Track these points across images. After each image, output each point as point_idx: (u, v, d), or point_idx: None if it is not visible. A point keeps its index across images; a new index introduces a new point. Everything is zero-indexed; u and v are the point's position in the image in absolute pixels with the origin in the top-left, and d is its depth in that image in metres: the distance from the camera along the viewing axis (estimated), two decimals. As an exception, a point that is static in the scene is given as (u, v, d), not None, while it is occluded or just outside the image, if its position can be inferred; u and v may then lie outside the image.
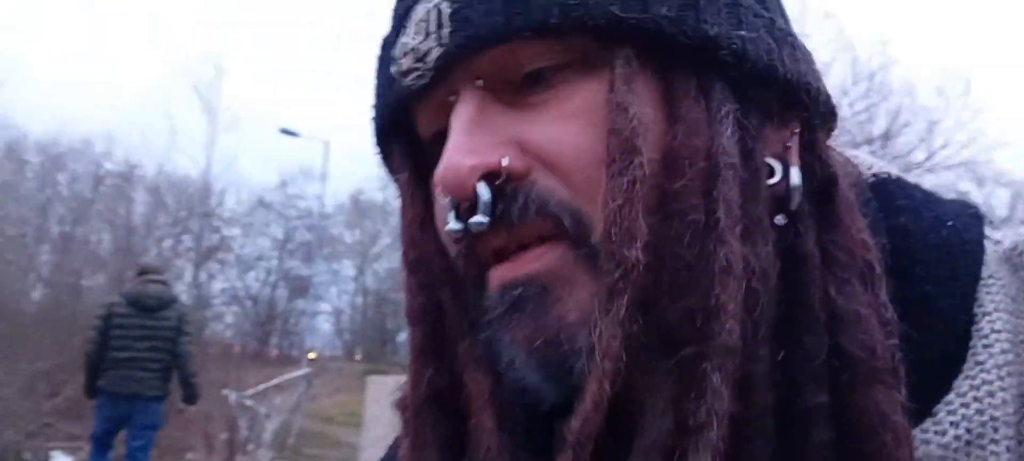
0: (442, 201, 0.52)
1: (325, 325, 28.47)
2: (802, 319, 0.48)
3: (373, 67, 0.57)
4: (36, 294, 16.36)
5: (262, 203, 24.46)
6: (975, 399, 0.47)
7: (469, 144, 0.49)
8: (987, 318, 0.49)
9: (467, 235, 0.49)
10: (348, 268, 28.04)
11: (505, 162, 0.48)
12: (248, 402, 11.00)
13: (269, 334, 26.42)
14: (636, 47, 0.49)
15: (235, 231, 22.38)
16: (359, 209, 26.92)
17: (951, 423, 0.47)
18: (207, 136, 16.36)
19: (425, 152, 0.55)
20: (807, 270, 0.49)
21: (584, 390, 0.45)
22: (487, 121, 0.50)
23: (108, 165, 20.51)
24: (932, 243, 0.52)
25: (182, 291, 16.51)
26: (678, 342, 0.46)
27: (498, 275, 0.50)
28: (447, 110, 0.51)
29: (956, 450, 0.47)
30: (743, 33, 0.50)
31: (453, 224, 0.50)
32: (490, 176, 0.48)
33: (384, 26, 0.57)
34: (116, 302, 6.21)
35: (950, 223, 0.53)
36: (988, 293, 0.50)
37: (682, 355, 0.45)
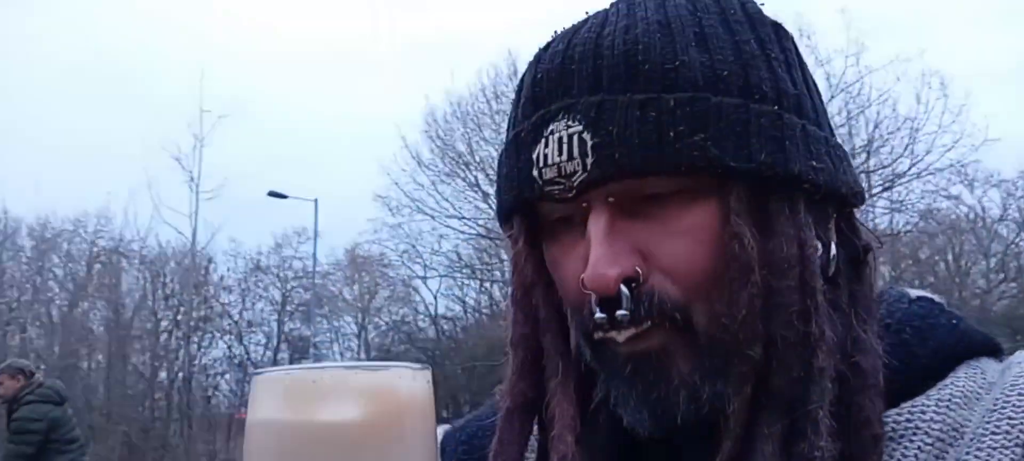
0: (583, 292, 0.65)
1: (331, 384, 28.26)
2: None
3: (507, 154, 0.71)
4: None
5: (258, 267, 24.50)
6: (910, 414, 0.65)
7: (610, 254, 0.63)
8: (953, 377, 0.67)
9: (606, 323, 0.64)
10: (350, 324, 27.98)
11: (640, 271, 0.63)
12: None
13: (274, 398, 26.21)
14: (742, 183, 0.63)
15: (232, 297, 22.35)
16: (356, 264, 26.90)
17: (894, 418, 0.64)
18: (191, 206, 16.36)
19: (539, 225, 0.70)
20: (840, 316, 0.65)
21: (721, 444, 0.62)
22: (618, 230, 0.64)
23: (102, 243, 20.54)
24: (929, 323, 0.70)
25: (177, 364, 16.44)
26: (787, 401, 0.61)
27: (626, 349, 0.65)
28: (572, 210, 0.66)
29: (890, 438, 0.63)
30: (814, 163, 0.65)
31: (599, 314, 0.64)
32: (627, 280, 0.63)
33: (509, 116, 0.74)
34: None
35: (955, 322, 0.70)
36: (967, 369, 0.67)
37: (798, 410, 0.61)
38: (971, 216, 17.46)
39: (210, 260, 18.36)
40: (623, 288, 0.62)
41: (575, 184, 0.64)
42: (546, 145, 0.66)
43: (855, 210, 0.72)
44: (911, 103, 15.08)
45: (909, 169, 15.18)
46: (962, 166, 15.44)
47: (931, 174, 15.39)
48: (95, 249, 20.46)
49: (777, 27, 0.70)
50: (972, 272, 18.57)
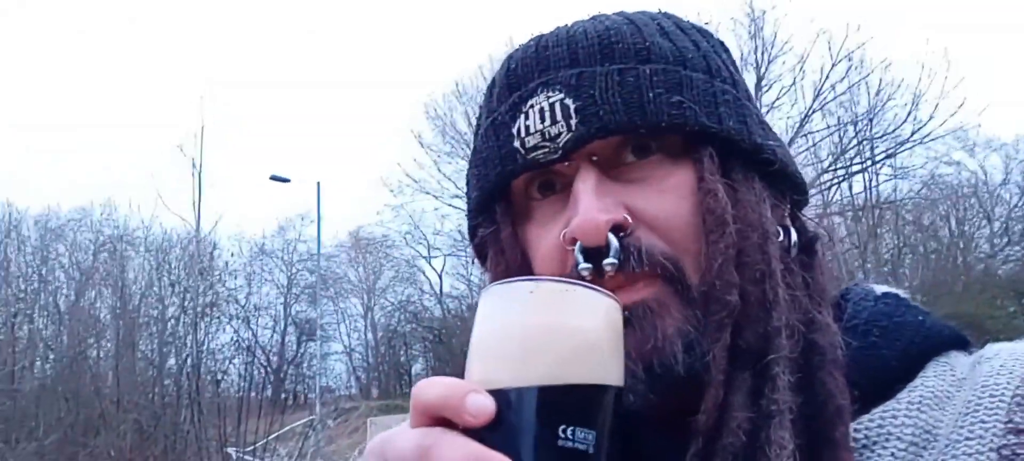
0: (567, 247, 0.66)
1: (339, 365, 28.40)
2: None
3: (484, 142, 0.72)
4: (40, 368, 16.38)
5: (263, 251, 24.54)
6: (882, 420, 0.64)
7: (599, 204, 0.65)
8: (923, 378, 0.67)
9: (592, 273, 0.64)
10: (356, 306, 28.02)
11: (629, 219, 0.65)
12: (249, 457, 10.94)
13: (282, 381, 26.40)
14: (713, 148, 0.68)
15: (238, 282, 22.41)
16: (360, 245, 26.92)
17: (867, 425, 0.64)
18: (195, 193, 16.38)
19: (516, 212, 0.72)
20: (798, 297, 0.67)
21: (706, 395, 0.62)
22: (604, 189, 0.66)
23: (107, 231, 20.58)
24: (896, 322, 0.70)
25: (185, 350, 16.50)
26: (754, 354, 0.63)
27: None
28: (551, 178, 0.69)
29: (863, 445, 0.64)
30: (771, 142, 0.71)
31: (584, 264, 0.64)
32: (616, 229, 0.64)
33: (487, 108, 0.74)
34: None
35: (921, 319, 0.71)
36: (936, 367, 0.68)
37: (760, 364, 0.63)
38: (973, 181, 17.41)
39: (214, 245, 18.39)
40: (611, 236, 0.64)
41: (561, 145, 0.67)
42: (527, 118, 0.69)
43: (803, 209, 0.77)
44: (914, 71, 14.99)
45: (912, 136, 15.09)
46: (964, 132, 15.35)
47: (933, 140, 15.31)
48: (100, 238, 20.51)
49: (718, 40, 0.77)
50: (975, 237, 18.55)
